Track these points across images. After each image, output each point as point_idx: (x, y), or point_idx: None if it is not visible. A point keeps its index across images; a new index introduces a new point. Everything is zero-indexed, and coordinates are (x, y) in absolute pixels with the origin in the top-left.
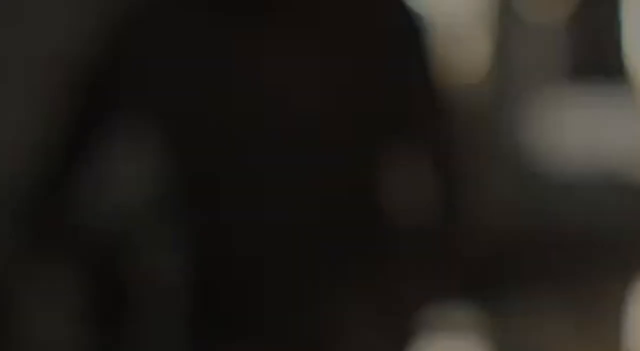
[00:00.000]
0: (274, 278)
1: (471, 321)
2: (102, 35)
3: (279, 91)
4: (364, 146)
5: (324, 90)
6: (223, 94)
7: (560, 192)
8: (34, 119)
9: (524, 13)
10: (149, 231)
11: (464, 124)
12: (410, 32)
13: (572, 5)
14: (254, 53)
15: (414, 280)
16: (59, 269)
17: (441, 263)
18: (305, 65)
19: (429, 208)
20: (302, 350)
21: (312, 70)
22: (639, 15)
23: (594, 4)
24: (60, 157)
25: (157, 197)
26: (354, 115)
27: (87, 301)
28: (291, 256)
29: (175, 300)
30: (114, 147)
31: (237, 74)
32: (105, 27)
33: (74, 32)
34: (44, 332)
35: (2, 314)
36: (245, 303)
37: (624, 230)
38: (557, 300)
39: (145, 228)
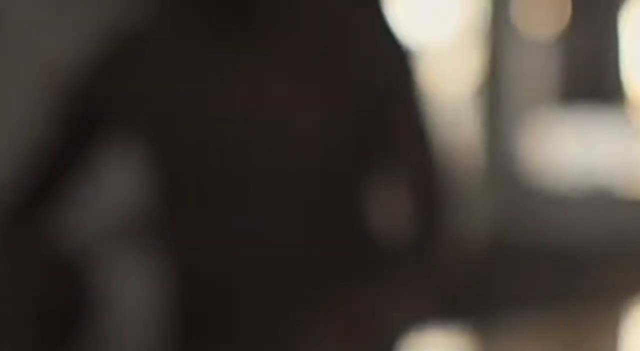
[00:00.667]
0: (254, 294)
1: (458, 341)
2: (96, 49)
3: (264, 113)
4: (347, 168)
5: (308, 113)
6: (212, 113)
7: (552, 207)
8: (22, 127)
9: (519, 30)
10: (130, 244)
11: (452, 146)
12: (395, 56)
13: (566, 22)
14: (242, 75)
15: (397, 300)
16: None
17: (424, 283)
18: (292, 89)
19: (411, 229)
20: None
21: (297, 94)
22: (637, 34)
23: (589, 21)
24: (47, 167)
25: (141, 210)
26: (336, 137)
27: (51, 312)
28: (272, 274)
29: (155, 312)
30: (102, 158)
31: (226, 94)
32: (101, 41)
33: (69, 43)
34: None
35: None
36: (226, 317)
37: (615, 243)
38: (547, 317)
39: (126, 240)
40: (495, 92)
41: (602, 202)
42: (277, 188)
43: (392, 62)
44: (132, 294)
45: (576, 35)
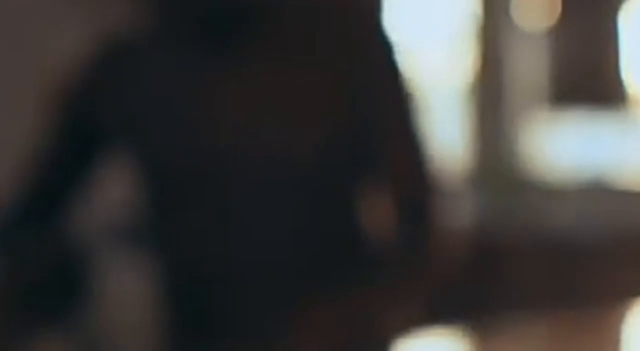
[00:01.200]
0: (246, 294)
1: (454, 341)
2: (92, 53)
3: (256, 115)
4: (339, 168)
5: (300, 115)
6: (204, 114)
7: (547, 201)
8: (22, 129)
9: (515, 25)
10: (126, 242)
11: (443, 146)
12: (389, 60)
13: (561, 17)
14: (234, 77)
15: (389, 301)
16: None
17: (415, 283)
18: (284, 91)
19: (400, 230)
20: None
21: (290, 96)
22: (634, 29)
23: (584, 16)
24: (45, 167)
25: (136, 209)
26: (329, 138)
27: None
28: (263, 274)
29: (148, 310)
30: (98, 159)
31: (217, 96)
32: (96, 45)
33: (66, 48)
34: None
35: None
36: (217, 317)
37: (607, 235)
38: (546, 314)
39: (123, 239)
40: (491, 87)
41: (598, 195)
42: (270, 188)
43: (386, 66)
44: (126, 292)
45: (571, 31)
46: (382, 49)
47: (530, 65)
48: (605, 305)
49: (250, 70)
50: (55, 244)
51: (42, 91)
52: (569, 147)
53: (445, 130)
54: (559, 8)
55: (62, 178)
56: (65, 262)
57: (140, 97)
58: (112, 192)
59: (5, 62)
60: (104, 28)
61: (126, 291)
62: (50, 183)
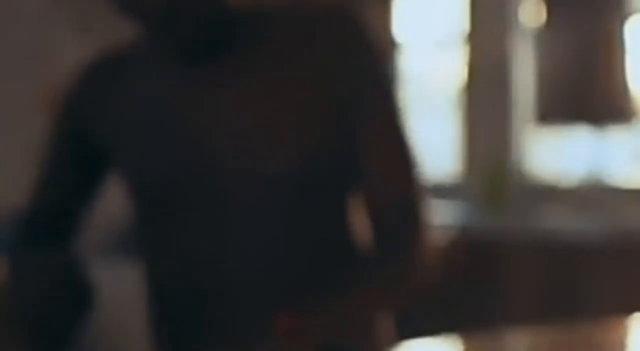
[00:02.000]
0: (237, 302)
1: (453, 346)
2: (84, 69)
3: (240, 136)
4: (326, 175)
5: (285, 126)
6: (187, 139)
7: (544, 201)
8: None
9: (514, 27)
10: (122, 250)
11: (433, 148)
12: (375, 67)
13: (557, 19)
14: (218, 102)
15: (382, 309)
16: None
17: (409, 291)
18: (269, 101)
19: (392, 237)
20: None
21: (274, 106)
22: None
23: (574, 21)
24: (43, 188)
25: (129, 219)
26: (316, 156)
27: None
28: (253, 283)
29: (143, 315)
30: (94, 181)
31: (200, 121)
32: (89, 62)
33: (63, 64)
34: None
35: None
36: (208, 335)
37: (603, 232)
38: (546, 318)
39: (119, 247)
40: (487, 89)
41: (594, 195)
42: (260, 200)
43: (376, 75)
44: (122, 297)
45: (569, 34)
46: (373, 55)
47: (527, 66)
48: (606, 306)
49: (239, 84)
50: (61, 258)
51: (39, 105)
52: (564, 148)
53: (442, 132)
54: (556, 11)
55: (65, 192)
56: (72, 276)
57: (128, 112)
58: (111, 202)
59: (4, 74)
60: (96, 45)
61: (125, 296)
62: (53, 197)
